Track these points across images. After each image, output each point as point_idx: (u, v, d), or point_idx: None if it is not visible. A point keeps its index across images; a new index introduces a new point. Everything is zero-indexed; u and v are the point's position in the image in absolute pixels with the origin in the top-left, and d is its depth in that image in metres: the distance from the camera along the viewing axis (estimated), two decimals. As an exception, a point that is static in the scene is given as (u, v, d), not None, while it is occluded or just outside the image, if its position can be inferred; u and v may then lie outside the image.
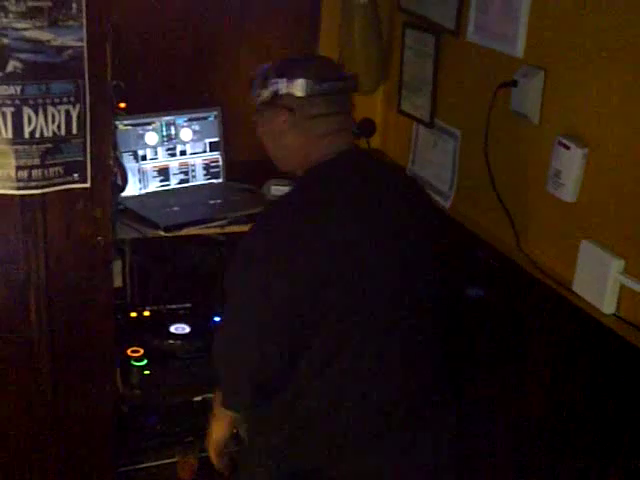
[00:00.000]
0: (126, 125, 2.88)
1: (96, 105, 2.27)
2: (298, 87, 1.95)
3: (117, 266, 2.54)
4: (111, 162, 2.41)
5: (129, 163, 2.87)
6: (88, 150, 2.29)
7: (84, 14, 2.19)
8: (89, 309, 2.42)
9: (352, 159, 2.03)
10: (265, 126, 2.06)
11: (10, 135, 2.19)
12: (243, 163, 3.10)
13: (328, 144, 2.00)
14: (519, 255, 2.39)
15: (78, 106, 2.25)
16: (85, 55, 2.23)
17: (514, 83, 2.35)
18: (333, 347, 1.86)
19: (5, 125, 2.18)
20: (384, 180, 2.05)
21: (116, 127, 2.76)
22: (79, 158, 2.29)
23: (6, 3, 2.11)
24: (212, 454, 2.19)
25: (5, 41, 2.14)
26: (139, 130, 2.92)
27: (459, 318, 2.56)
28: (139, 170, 2.92)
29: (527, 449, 2.28)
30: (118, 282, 2.55)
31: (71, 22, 2.19)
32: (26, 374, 2.41)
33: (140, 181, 2.93)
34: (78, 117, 2.26)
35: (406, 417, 1.94)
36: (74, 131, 2.26)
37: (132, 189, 2.88)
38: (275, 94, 1.99)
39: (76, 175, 2.30)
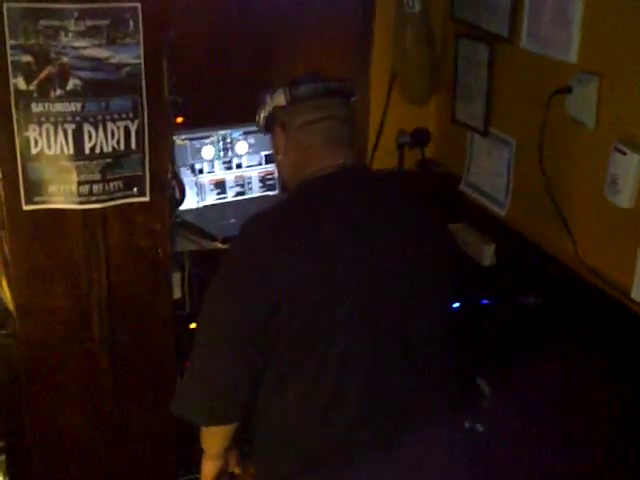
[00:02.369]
0: (183, 140, 2.93)
1: (154, 120, 2.31)
2: (278, 97, 1.96)
3: (176, 278, 2.57)
4: (169, 176, 2.45)
5: (187, 177, 2.91)
6: (147, 165, 2.33)
7: (141, 32, 2.24)
8: (150, 320, 2.46)
9: (344, 177, 1.92)
10: (275, 152, 2.07)
11: (72, 151, 2.24)
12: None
13: (321, 158, 1.93)
14: (576, 262, 2.37)
15: (137, 122, 2.29)
16: (142, 71, 2.27)
17: (569, 89, 2.34)
18: (290, 366, 1.82)
19: (67, 141, 2.23)
20: (377, 202, 1.91)
21: (173, 142, 2.81)
22: (138, 172, 2.33)
23: (66, 23, 2.16)
24: None
25: (65, 60, 2.19)
26: (196, 144, 2.96)
27: (515, 325, 2.55)
28: (196, 184, 2.96)
29: (587, 458, 2.26)
30: (177, 294, 2.59)
31: (128, 40, 2.24)
32: (88, 385, 2.45)
33: (198, 194, 2.97)
34: (137, 132, 2.30)
35: (373, 438, 1.84)
36: (133, 146, 2.30)
37: (190, 202, 2.91)
38: (268, 115, 2.01)
39: (135, 189, 2.34)
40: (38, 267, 2.31)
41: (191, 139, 2.95)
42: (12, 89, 2.18)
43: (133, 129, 2.30)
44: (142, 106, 2.29)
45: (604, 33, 2.26)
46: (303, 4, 3.11)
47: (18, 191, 2.24)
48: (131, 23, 2.24)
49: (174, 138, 2.82)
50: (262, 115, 2.03)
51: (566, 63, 2.39)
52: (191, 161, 2.96)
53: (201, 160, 2.97)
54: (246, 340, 1.82)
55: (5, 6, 2.13)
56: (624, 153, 2.13)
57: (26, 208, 2.26)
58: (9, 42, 2.15)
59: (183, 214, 2.82)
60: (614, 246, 2.25)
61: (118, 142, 2.29)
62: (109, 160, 2.29)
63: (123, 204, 2.34)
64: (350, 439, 1.83)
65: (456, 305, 2.62)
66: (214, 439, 2.05)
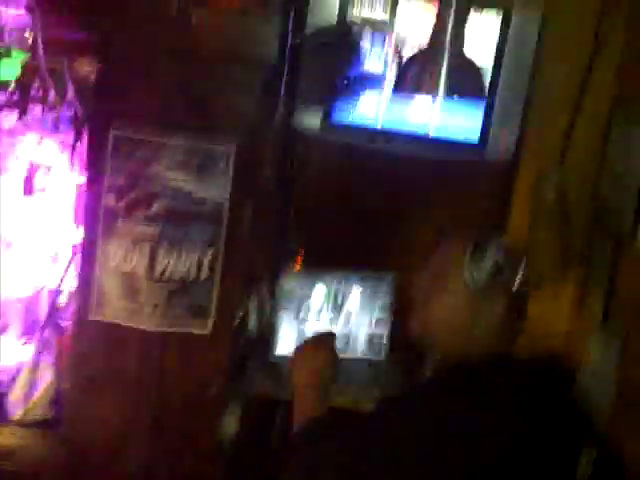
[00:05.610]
0: (293, 282, 2.90)
1: (230, 253, 2.36)
2: None
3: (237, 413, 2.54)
4: (242, 312, 2.47)
5: (289, 321, 2.90)
6: (214, 296, 2.36)
7: (231, 171, 2.31)
8: (191, 452, 2.43)
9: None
10: None
11: (142, 271, 2.33)
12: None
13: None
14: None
15: (211, 252, 2.34)
16: (226, 207, 2.33)
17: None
18: None
19: (140, 261, 2.33)
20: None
21: (282, 284, 2.81)
22: (204, 303, 2.36)
23: (161, 154, 2.29)
24: None
25: (153, 186, 2.31)
26: (306, 290, 2.93)
27: None
28: (298, 330, 2.93)
29: None
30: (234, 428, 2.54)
31: (217, 177, 2.32)
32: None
33: (298, 340, 2.93)
34: (210, 263, 2.35)
35: None
36: (203, 276, 2.35)
37: (289, 347, 2.89)
38: None
39: (198, 320, 2.37)
40: (92, 378, 2.38)
41: (301, 282, 2.93)
42: (103, 205, 2.33)
43: (206, 259, 2.35)
44: (220, 237, 2.34)
45: None
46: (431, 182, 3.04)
47: (89, 301, 2.34)
48: (222, 162, 2.32)
49: (283, 281, 2.83)
50: None
51: None
52: (297, 305, 2.93)
53: (307, 308, 2.94)
54: None
55: (112, 133, 2.30)
56: None
57: (92, 318, 2.35)
58: (109, 164, 2.31)
59: (277, 359, 2.80)
60: None
61: (189, 270, 2.34)
62: (177, 286, 2.34)
63: (184, 332, 2.37)
64: None
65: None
66: None
